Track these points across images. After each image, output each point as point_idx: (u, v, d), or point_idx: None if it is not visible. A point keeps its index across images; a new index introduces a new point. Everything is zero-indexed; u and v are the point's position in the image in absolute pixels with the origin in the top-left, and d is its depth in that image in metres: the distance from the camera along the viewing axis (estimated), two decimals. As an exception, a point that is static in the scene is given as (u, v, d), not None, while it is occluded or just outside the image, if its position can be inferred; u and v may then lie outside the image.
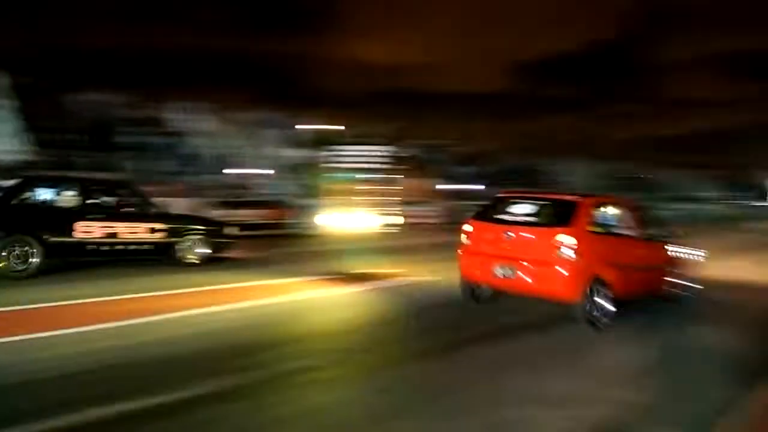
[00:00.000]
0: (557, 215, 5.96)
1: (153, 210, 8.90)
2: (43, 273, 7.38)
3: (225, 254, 9.49)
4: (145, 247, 8.50)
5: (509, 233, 6.04)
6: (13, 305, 5.68)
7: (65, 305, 5.84)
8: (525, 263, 5.81)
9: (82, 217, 7.94)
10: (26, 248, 7.36)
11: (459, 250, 6.61)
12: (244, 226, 12.36)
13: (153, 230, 8.55)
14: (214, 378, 3.88)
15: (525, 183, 27.58)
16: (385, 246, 13.61)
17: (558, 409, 3.63)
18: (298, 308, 6.56)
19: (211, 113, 33.09)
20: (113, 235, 8.15)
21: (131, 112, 37.25)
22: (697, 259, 7.77)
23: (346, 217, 16.28)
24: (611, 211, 6.60)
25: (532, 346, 5.29)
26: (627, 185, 34.81)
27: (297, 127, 25.49)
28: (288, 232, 15.82)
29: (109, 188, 9.19)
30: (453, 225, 18.68)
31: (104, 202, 8.48)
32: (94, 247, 8.03)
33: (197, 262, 8.92)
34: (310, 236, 15.64)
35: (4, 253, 7.18)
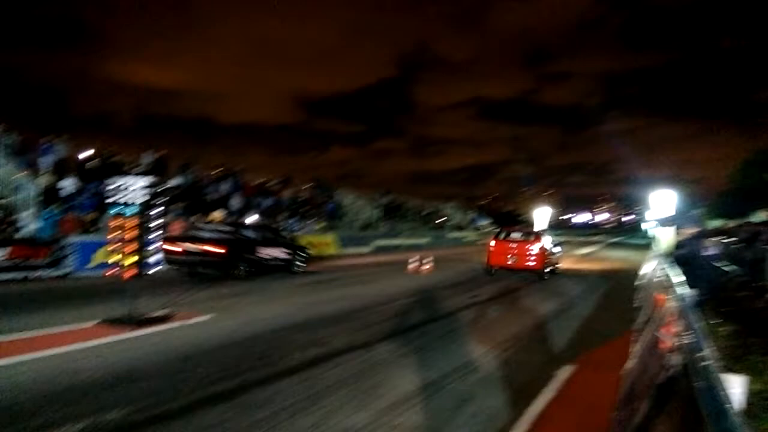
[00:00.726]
0: (531, 236, 16.30)
1: (283, 240, 16.51)
2: None
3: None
4: (282, 262, 15.58)
5: (512, 244, 16.56)
6: None
7: None
8: (519, 256, 16.07)
9: (260, 245, 14.79)
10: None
11: (487, 252, 17.15)
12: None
13: (287, 253, 15.85)
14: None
15: (308, 212, 28.30)
16: (151, 286, 12.95)
17: None
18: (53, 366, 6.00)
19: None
20: (275, 256, 15.34)
21: None
22: (559, 254, 18.86)
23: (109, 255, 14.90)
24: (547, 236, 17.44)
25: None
26: (397, 215, 38.04)
27: (49, 152, 22.58)
28: (40, 274, 14.01)
29: (265, 229, 17.21)
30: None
31: (265, 236, 15.53)
32: (266, 262, 14.90)
33: (301, 271, 16.19)
34: (64, 278, 14.06)
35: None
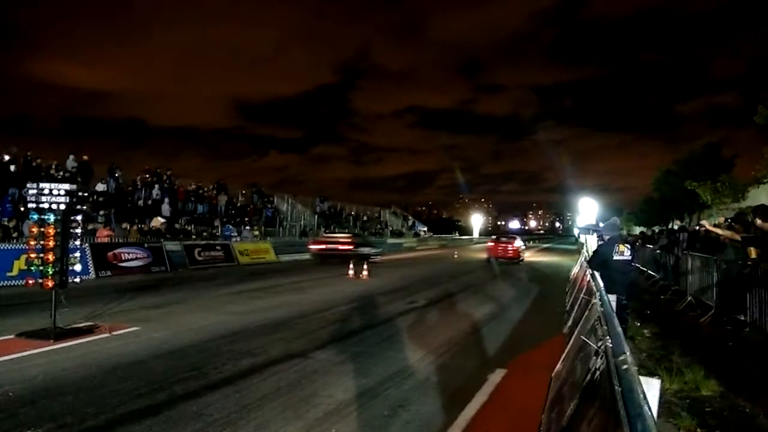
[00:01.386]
0: (511, 239, 30.24)
1: (369, 241, 28.09)
2: None
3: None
4: (369, 255, 23.80)
5: (501, 244, 28.86)
6: None
7: None
8: (505, 251, 28.10)
9: (360, 245, 24.59)
10: None
11: (488, 248, 28.95)
12: None
13: (371, 249, 25.22)
14: None
15: (245, 219, 27.69)
16: (76, 296, 12.34)
17: None
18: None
19: None
20: (366, 252, 24.04)
21: None
22: (523, 248, 31.03)
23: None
24: (519, 239, 31.37)
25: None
26: (335, 221, 37.93)
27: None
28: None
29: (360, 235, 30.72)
30: (162, 269, 18.18)
31: (365, 240, 28.23)
32: (364, 255, 22.92)
33: (377, 261, 24.16)
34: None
35: None
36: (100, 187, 21.46)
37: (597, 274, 7.63)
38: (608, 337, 2.99)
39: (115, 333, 8.02)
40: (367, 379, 6.04)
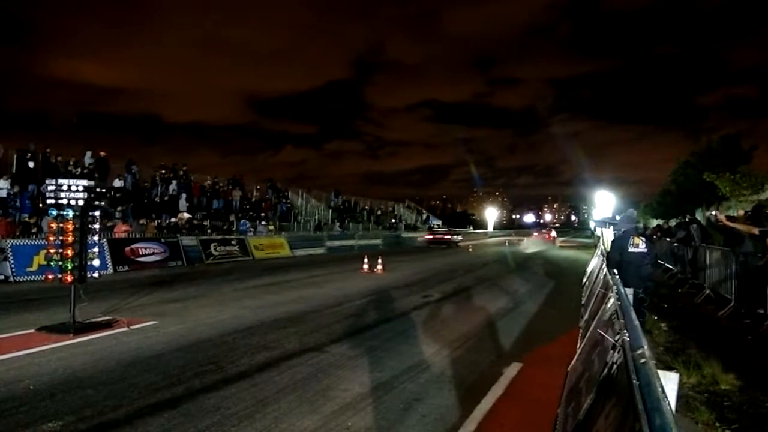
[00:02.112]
0: (549, 230, 62.70)
1: (455, 232, 47.62)
2: None
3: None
4: (456, 242, 40.42)
5: (544, 233, 56.21)
6: None
7: None
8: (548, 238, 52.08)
9: (449, 234, 41.91)
10: None
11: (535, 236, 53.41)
12: None
13: (454, 236, 41.34)
14: None
15: (259, 214, 27.85)
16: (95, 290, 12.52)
17: None
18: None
19: None
20: (456, 240, 40.70)
21: None
22: (555, 236, 55.58)
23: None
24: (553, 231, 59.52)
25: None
26: (350, 216, 38.01)
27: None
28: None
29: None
30: (179, 264, 18.35)
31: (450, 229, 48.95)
32: (454, 242, 39.77)
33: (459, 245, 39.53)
34: (1, 283, 13.41)
35: None
36: (117, 183, 21.68)
37: (611, 267, 7.57)
38: (625, 331, 2.96)
39: (133, 327, 8.12)
40: (382, 373, 6.06)
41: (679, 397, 4.86)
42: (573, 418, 3.66)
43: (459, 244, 40.30)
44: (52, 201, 7.92)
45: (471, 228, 75.99)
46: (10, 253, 13.97)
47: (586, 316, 7.82)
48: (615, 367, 2.87)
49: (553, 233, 55.45)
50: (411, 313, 10.05)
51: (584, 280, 14.35)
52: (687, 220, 18.32)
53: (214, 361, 6.38)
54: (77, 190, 7.89)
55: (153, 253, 18.39)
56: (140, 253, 17.91)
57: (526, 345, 7.71)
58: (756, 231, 9.35)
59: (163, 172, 24.98)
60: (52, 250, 7.94)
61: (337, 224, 34.89)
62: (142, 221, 20.41)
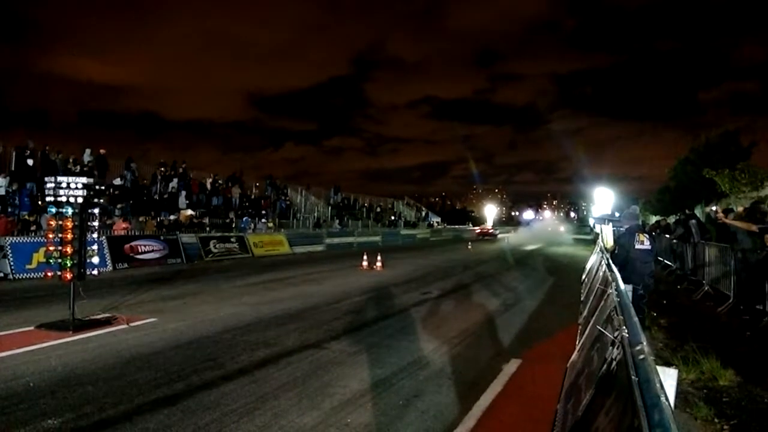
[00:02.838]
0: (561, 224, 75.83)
1: (496, 226, 69.86)
2: None
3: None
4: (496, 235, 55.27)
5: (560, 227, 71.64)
6: None
7: None
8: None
9: (492, 228, 61.62)
10: None
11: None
12: None
13: (497, 230, 60.76)
14: None
15: (259, 211, 27.85)
16: (95, 287, 12.53)
17: None
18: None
19: None
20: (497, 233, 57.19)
21: None
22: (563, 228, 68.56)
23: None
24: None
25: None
26: (349, 213, 38.01)
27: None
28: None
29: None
30: (178, 261, 18.33)
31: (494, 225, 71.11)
32: (495, 235, 54.38)
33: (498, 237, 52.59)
34: (1, 280, 13.40)
35: None
36: (117, 180, 21.67)
37: (612, 264, 7.58)
38: (624, 327, 2.96)
39: (132, 324, 8.12)
40: (381, 369, 6.06)
41: (678, 393, 4.88)
42: (572, 415, 3.66)
43: (498, 235, 55.61)
44: (52, 198, 7.92)
45: (470, 225, 75.94)
46: (10, 251, 13.96)
47: (585, 313, 7.83)
48: (614, 363, 2.87)
49: (562, 228, 73.85)
50: (410, 310, 10.06)
51: (583, 276, 14.36)
52: (686, 215, 18.31)
53: (214, 357, 6.38)
54: (76, 188, 7.88)
55: (152, 251, 18.38)
56: (139, 250, 17.91)
57: (525, 341, 7.72)
58: (755, 228, 9.36)
59: (162, 169, 24.95)
60: (51, 248, 7.93)
61: (337, 221, 34.89)
62: (141, 219, 20.41)
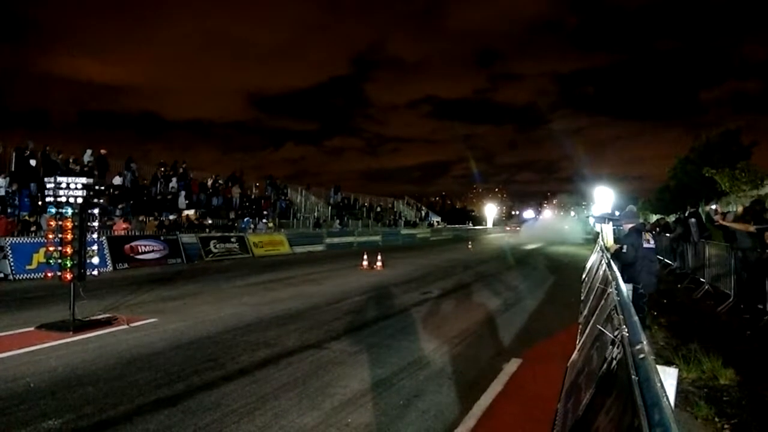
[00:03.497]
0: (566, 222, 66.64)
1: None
2: None
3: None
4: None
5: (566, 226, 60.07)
6: None
7: None
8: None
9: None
10: None
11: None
12: None
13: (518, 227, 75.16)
14: None
15: (259, 210, 27.84)
16: (95, 288, 12.53)
17: None
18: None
19: None
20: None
21: None
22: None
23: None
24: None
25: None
26: (349, 212, 38.01)
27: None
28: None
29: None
30: (178, 261, 18.33)
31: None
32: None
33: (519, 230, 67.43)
34: (1, 281, 13.40)
35: None
36: (117, 180, 21.67)
37: (613, 263, 7.58)
38: (625, 326, 2.96)
39: (132, 324, 8.12)
40: (382, 369, 6.06)
41: (679, 392, 4.88)
42: (573, 414, 3.66)
43: (518, 229, 65.13)
44: (51, 199, 7.91)
45: (470, 224, 75.96)
46: (10, 251, 13.95)
47: (585, 312, 7.83)
48: (614, 362, 2.87)
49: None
50: (410, 310, 10.06)
51: (584, 275, 14.36)
52: (687, 213, 18.31)
53: (214, 358, 6.38)
54: (76, 188, 7.88)
55: (152, 251, 18.38)
56: (140, 250, 17.90)
57: (525, 341, 7.71)
58: (752, 228, 9.36)
59: (162, 169, 24.95)
60: (51, 248, 7.93)
61: (337, 221, 34.88)
62: (141, 218, 20.41)
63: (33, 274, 13.88)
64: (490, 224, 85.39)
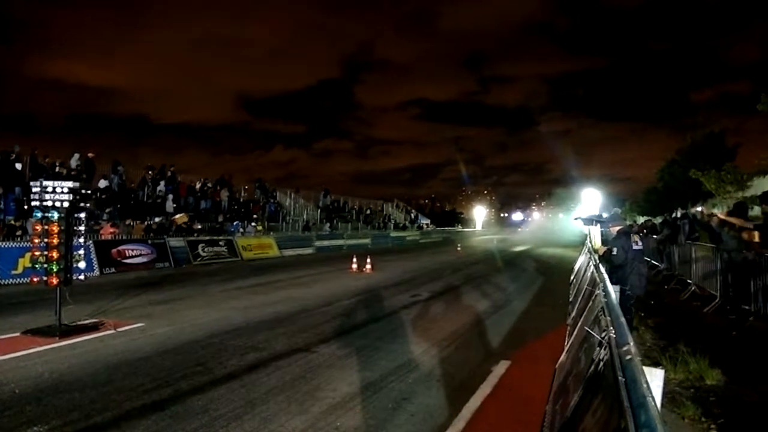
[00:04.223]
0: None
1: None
2: None
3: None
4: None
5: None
6: None
7: None
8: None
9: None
10: None
11: None
12: None
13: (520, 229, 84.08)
14: None
15: (247, 214, 27.72)
16: (81, 292, 12.40)
17: None
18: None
19: None
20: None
21: None
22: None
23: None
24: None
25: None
26: (338, 215, 37.97)
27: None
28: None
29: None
30: (166, 265, 18.19)
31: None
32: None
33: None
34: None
35: None
36: (103, 183, 21.47)
37: (600, 265, 7.63)
38: (612, 328, 2.99)
39: (120, 329, 8.05)
40: (371, 372, 6.06)
41: (666, 392, 4.91)
42: (561, 415, 3.68)
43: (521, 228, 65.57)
44: (37, 203, 7.83)
45: (459, 227, 76.19)
46: (-6, 256, 13.78)
47: (573, 314, 7.87)
48: (602, 364, 2.89)
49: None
50: (400, 313, 10.06)
51: (572, 277, 14.44)
52: (679, 215, 18.48)
53: (202, 362, 6.34)
54: (62, 192, 7.81)
55: (140, 255, 18.24)
56: (127, 254, 17.76)
57: (514, 343, 7.74)
58: (751, 225, 9.48)
59: (150, 172, 24.75)
60: (37, 253, 7.85)
61: (326, 224, 34.81)
62: (128, 222, 20.23)
63: (19, 279, 13.72)
64: (479, 227, 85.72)
